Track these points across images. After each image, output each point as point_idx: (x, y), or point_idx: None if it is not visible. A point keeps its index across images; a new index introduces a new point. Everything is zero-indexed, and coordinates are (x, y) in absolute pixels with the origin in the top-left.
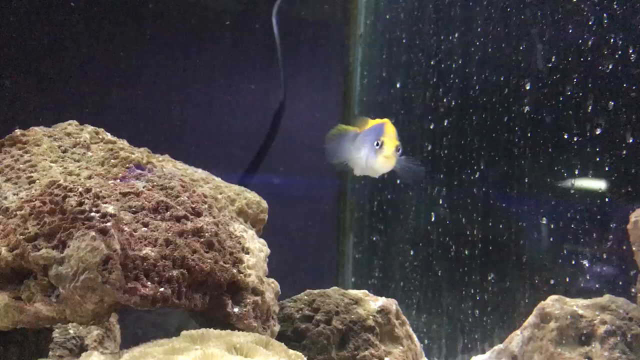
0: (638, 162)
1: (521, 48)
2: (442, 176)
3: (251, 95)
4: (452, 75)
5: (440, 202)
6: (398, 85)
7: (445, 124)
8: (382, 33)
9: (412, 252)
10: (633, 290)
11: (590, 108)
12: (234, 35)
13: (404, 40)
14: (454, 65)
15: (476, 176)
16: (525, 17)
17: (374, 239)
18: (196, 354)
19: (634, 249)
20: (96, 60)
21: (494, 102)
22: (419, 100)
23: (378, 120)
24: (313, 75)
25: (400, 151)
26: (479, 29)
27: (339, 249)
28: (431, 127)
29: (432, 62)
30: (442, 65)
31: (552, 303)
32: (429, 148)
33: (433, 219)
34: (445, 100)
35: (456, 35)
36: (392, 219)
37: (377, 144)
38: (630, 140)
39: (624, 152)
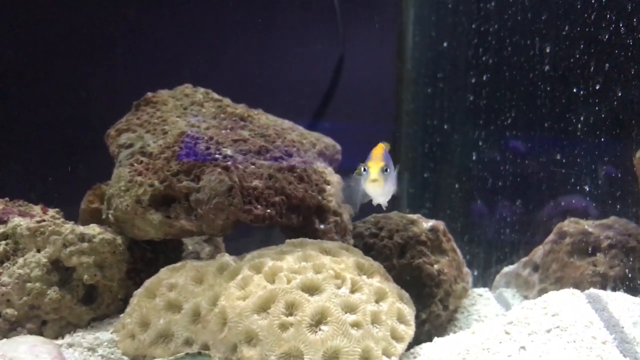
0: (625, 110)
1: (543, 18)
2: (481, 122)
3: (316, 52)
4: (489, 38)
5: (480, 143)
6: (445, 44)
7: (484, 78)
8: None
9: (457, 186)
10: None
11: (592, 68)
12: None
13: (449, 5)
14: (490, 29)
15: (508, 122)
16: None
17: (426, 176)
18: (298, 254)
19: (638, 179)
20: (183, 25)
21: (522, 61)
22: (463, 57)
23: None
24: (370, 33)
25: (388, 170)
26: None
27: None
28: (473, 81)
29: (473, 26)
30: (482, 29)
31: (568, 223)
32: (471, 99)
33: (474, 158)
34: (484, 58)
35: (492, 3)
36: (441, 158)
37: (364, 170)
38: (619, 94)
39: (615, 102)
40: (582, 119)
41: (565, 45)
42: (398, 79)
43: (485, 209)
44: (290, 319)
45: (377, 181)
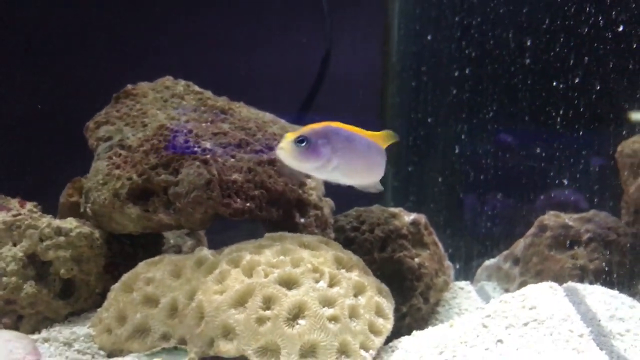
0: (602, 105)
1: (524, 11)
2: (464, 115)
3: (302, 44)
4: (472, 31)
5: (462, 137)
6: (429, 38)
7: (466, 72)
8: None
9: (440, 179)
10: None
11: (571, 62)
12: None
13: None
14: (473, 22)
15: (490, 115)
16: None
17: (410, 169)
18: (277, 248)
19: (620, 172)
20: (165, 19)
21: (504, 54)
22: (446, 51)
23: None
24: (356, 26)
25: (304, 142)
26: None
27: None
28: (456, 74)
29: (456, 19)
30: (464, 22)
31: (548, 217)
32: (454, 92)
33: (457, 151)
34: (466, 51)
35: None
36: (425, 152)
37: None
38: (598, 88)
39: (593, 96)
40: (561, 112)
41: (545, 39)
42: (384, 72)
43: (468, 202)
44: (268, 313)
45: (281, 149)
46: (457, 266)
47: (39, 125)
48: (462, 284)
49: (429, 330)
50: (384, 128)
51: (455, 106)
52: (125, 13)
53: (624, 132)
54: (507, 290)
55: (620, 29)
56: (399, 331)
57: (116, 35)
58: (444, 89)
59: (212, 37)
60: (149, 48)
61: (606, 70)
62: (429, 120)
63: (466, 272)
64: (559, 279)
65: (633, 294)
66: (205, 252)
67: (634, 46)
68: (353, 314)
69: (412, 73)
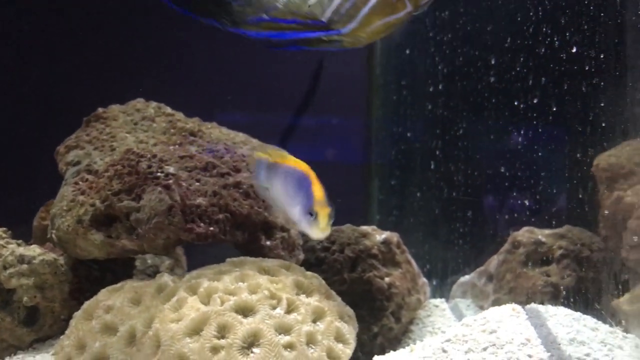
0: (560, 125)
1: (488, 29)
2: (438, 131)
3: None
4: (443, 47)
5: (437, 153)
6: (407, 52)
7: (440, 87)
8: None
9: (418, 194)
10: None
11: (530, 82)
12: None
13: None
14: (444, 38)
15: (460, 132)
16: (491, 4)
17: (392, 183)
18: (236, 274)
19: (597, 187)
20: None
21: (471, 71)
22: (422, 66)
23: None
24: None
25: (333, 218)
26: (461, 10)
27: (367, 191)
28: (430, 89)
29: (430, 34)
30: (437, 38)
31: (522, 233)
32: (429, 107)
33: (432, 167)
34: (439, 67)
35: (446, 12)
36: (405, 166)
37: (311, 215)
38: (554, 109)
39: (550, 117)
40: (522, 132)
41: (507, 58)
42: (369, 85)
43: (442, 218)
44: (222, 341)
45: (325, 230)
46: (434, 283)
47: (21, 145)
48: (438, 301)
49: (390, 355)
50: (369, 142)
51: (430, 121)
52: (111, 28)
53: (578, 155)
54: (481, 308)
55: (574, 50)
56: (371, 351)
57: (103, 50)
58: (421, 105)
59: (206, 47)
60: (129, 69)
61: (561, 92)
62: (408, 134)
63: (443, 289)
64: (532, 296)
65: (605, 311)
66: (166, 278)
67: (586, 68)
68: (310, 340)
69: (394, 86)
